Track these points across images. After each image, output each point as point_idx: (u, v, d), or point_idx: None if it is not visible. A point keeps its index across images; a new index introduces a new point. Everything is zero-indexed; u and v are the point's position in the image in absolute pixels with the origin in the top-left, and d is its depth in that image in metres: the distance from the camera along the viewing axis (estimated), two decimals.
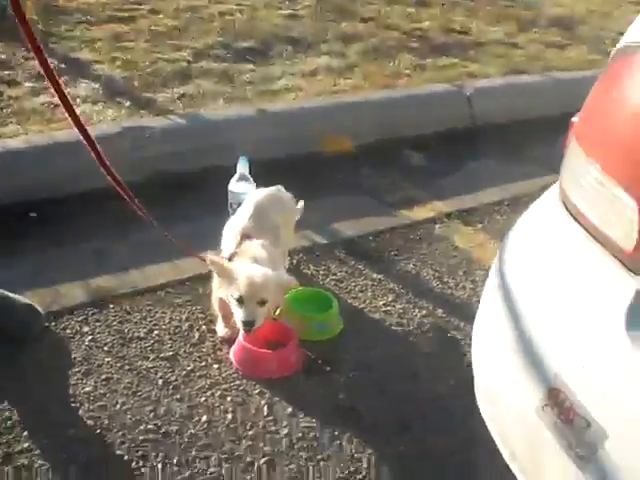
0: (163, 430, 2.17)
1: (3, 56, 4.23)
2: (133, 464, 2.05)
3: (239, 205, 2.87)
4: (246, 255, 2.39)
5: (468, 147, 4.28)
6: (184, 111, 3.90)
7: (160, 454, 2.08)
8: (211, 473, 2.04)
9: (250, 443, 2.15)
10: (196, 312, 2.69)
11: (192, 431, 2.17)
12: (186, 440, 2.14)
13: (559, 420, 1.24)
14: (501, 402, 1.50)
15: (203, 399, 2.30)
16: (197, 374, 2.40)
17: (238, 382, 2.38)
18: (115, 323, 2.59)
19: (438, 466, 2.14)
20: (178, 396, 2.30)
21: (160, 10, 5.33)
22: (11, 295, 2.45)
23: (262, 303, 2.29)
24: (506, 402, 1.46)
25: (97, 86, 4.07)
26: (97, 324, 2.57)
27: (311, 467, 2.09)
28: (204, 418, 2.22)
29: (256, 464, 2.09)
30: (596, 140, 1.42)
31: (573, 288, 1.38)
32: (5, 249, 2.86)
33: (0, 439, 2.07)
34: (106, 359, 2.42)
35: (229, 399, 2.31)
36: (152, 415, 2.22)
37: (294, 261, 3.04)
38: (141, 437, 2.13)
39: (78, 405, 2.22)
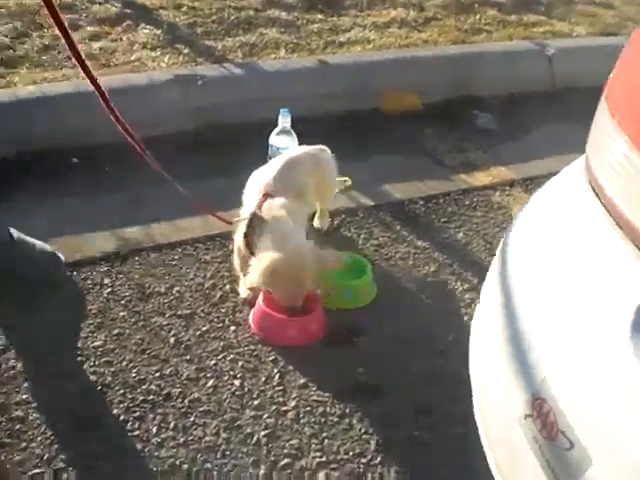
0: (165, 392, 2.06)
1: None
2: (128, 425, 1.95)
3: None
4: (266, 216, 2.24)
5: (543, 111, 3.92)
6: (242, 60, 3.75)
7: (157, 417, 1.98)
8: (206, 442, 1.93)
9: (254, 413, 2.02)
10: (222, 270, 2.57)
11: (195, 395, 2.06)
12: (187, 404, 2.03)
13: (540, 435, 1.03)
14: (488, 406, 1.29)
15: (213, 362, 2.18)
16: (212, 335, 2.28)
17: (252, 347, 2.25)
18: (137, 277, 2.50)
19: (451, 457, 1.94)
20: (188, 357, 2.19)
21: None
22: (31, 240, 2.39)
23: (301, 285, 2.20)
24: (492, 407, 1.25)
25: (159, 32, 3.96)
26: (119, 277, 2.49)
27: (313, 444, 1.94)
28: (210, 382, 2.11)
29: (255, 436, 1.96)
30: (630, 109, 1.15)
31: (579, 278, 1.14)
32: (38, 196, 2.82)
33: (1, 389, 2.02)
34: (121, 313, 2.33)
35: (240, 364, 2.18)
36: (157, 375, 2.12)
37: (335, 223, 2.87)
38: (141, 397, 2.04)
39: (84, 359, 2.15)
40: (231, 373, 2.15)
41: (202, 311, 2.37)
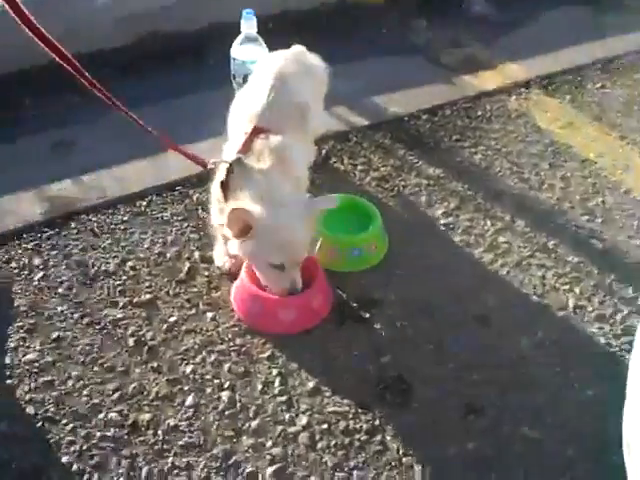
0: (130, 420, 1.52)
1: None
2: (85, 477, 1.42)
3: (245, 77, 2.12)
4: (260, 162, 1.65)
5: None
6: None
7: (123, 462, 1.45)
8: None
9: (253, 441, 1.50)
10: (187, 231, 1.98)
11: (172, 421, 1.52)
12: (161, 437, 1.49)
13: None
14: None
15: (189, 369, 1.63)
16: (183, 328, 1.72)
17: (239, 340, 1.70)
18: (76, 251, 1.90)
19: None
20: (155, 364, 1.64)
21: None
22: None
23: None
24: None
25: None
26: (52, 253, 1.89)
27: None
28: (189, 400, 1.57)
29: (260, 476, 1.44)
30: None
31: None
32: None
33: None
34: (59, 307, 1.75)
35: (226, 368, 1.64)
36: (116, 396, 1.57)
37: (322, 151, 2.27)
38: (98, 433, 1.49)
39: (16, 382, 1.58)
40: (215, 382, 1.61)
41: (167, 293, 1.80)
